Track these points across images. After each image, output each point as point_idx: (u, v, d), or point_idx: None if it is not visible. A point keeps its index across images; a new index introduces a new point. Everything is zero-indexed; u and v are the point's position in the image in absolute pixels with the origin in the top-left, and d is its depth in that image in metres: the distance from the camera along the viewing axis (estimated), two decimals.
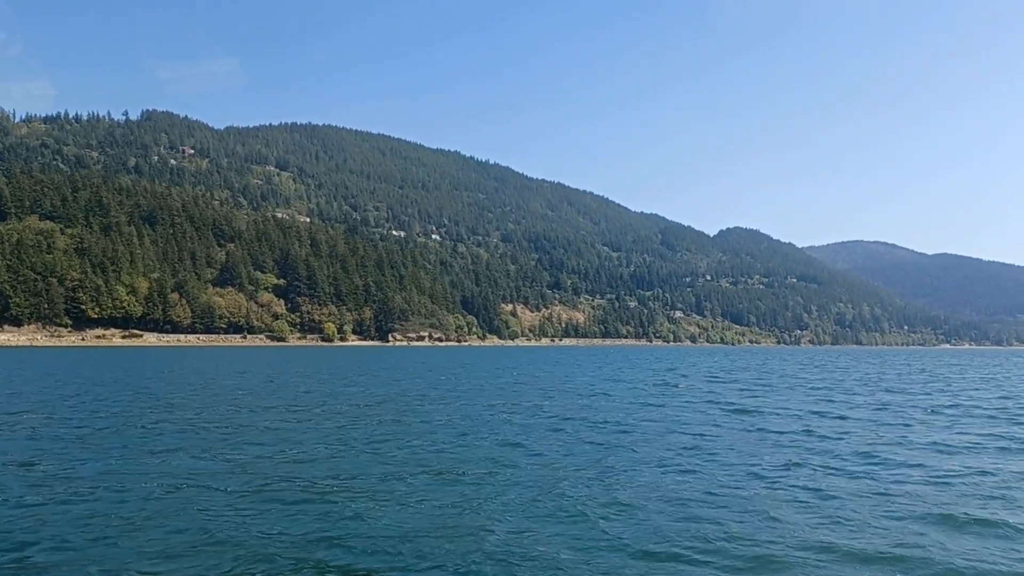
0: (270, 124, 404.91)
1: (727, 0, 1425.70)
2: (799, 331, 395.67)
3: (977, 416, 28.66)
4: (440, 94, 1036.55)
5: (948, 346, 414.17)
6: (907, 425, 25.28)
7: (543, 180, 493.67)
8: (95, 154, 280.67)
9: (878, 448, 19.52)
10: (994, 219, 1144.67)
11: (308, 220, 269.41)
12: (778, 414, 28.49)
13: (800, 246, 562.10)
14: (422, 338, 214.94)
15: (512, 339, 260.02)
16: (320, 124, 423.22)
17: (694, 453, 18.53)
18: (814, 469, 16.41)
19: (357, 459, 17.16)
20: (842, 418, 27.40)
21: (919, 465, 17.12)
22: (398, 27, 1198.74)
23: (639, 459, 17.52)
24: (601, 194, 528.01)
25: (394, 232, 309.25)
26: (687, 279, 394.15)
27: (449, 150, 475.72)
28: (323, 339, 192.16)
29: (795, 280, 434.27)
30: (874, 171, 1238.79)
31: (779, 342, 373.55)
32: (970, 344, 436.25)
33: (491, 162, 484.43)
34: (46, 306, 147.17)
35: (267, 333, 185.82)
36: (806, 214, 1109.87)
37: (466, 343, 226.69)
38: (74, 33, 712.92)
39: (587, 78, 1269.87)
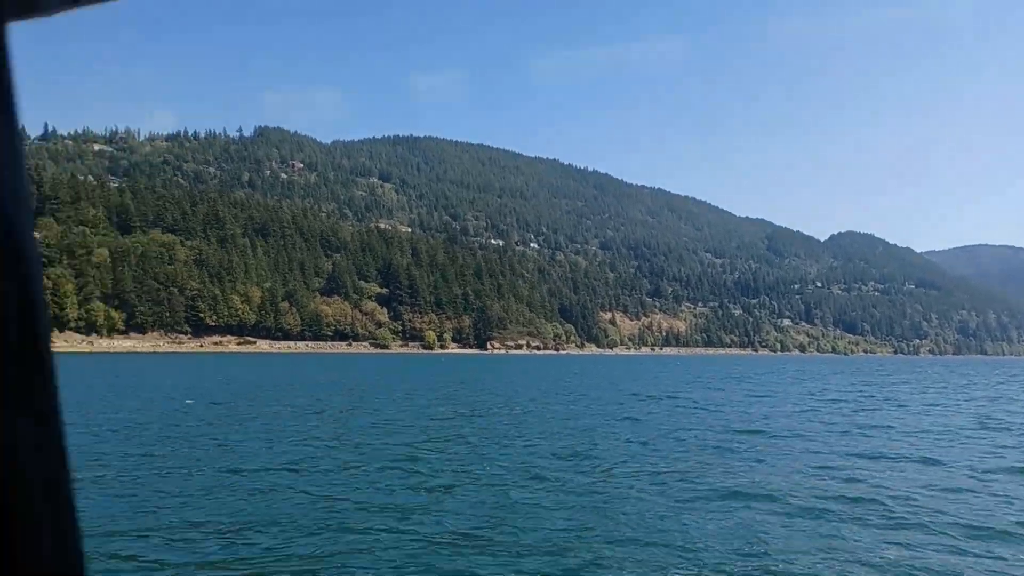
0: (373, 137, 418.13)
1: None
2: (918, 340, 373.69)
3: None
4: (536, 103, 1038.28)
5: None
6: None
7: (643, 186, 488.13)
8: (212, 170, 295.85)
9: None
10: None
11: (409, 230, 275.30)
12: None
13: (918, 251, 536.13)
14: (520, 346, 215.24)
15: (611, 348, 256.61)
16: (421, 136, 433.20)
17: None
18: None
19: None
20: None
21: None
22: (492, 40, 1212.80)
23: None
24: (703, 199, 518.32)
25: (493, 241, 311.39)
26: (795, 286, 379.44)
27: (547, 158, 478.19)
28: (423, 347, 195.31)
29: (913, 286, 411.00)
30: (995, 167, 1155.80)
31: (896, 352, 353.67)
32: None
33: (589, 169, 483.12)
34: (168, 314, 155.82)
35: (371, 341, 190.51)
36: (924, 217, 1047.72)
37: (564, 352, 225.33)
38: (196, 60, 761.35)
39: (687, 83, 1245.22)
